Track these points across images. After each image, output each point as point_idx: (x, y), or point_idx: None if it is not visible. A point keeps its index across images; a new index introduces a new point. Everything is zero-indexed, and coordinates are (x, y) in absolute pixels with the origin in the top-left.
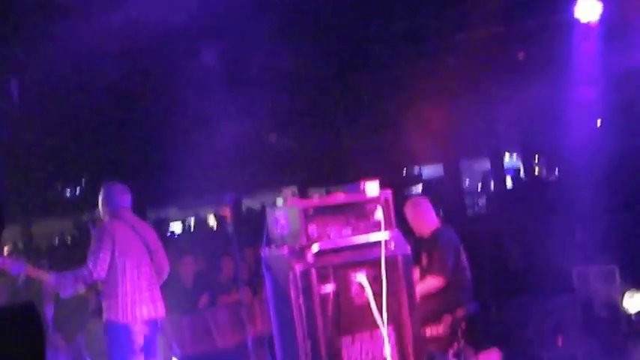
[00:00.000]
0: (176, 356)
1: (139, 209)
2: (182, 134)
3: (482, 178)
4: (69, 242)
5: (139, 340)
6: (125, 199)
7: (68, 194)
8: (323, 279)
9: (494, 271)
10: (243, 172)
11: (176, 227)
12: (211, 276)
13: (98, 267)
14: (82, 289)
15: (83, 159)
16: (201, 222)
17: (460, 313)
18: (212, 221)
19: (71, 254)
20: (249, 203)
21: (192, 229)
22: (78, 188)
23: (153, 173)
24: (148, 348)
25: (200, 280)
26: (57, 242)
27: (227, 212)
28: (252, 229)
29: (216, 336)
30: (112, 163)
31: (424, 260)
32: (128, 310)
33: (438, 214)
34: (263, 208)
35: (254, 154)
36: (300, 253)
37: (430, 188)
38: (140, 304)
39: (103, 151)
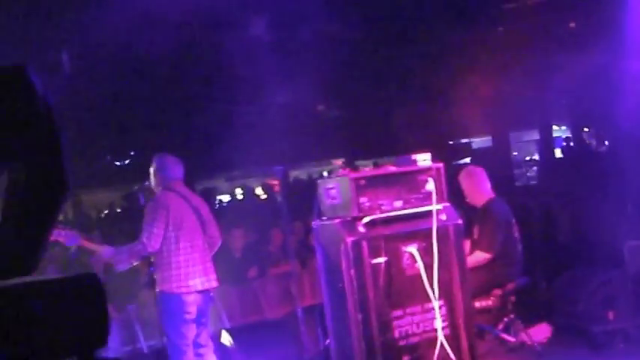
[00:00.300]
0: (225, 327)
1: (188, 181)
2: (230, 105)
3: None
4: (118, 213)
5: (192, 310)
6: (178, 170)
7: (117, 165)
8: (374, 250)
9: (543, 245)
10: (291, 143)
11: (224, 198)
12: (260, 247)
13: (152, 241)
14: (136, 263)
15: (132, 130)
16: (250, 193)
17: (510, 286)
18: (260, 192)
19: (121, 225)
20: (296, 174)
21: (240, 200)
22: (127, 160)
23: (201, 144)
24: (200, 318)
25: (249, 251)
26: (106, 213)
27: (275, 183)
28: (300, 200)
29: (264, 307)
30: (161, 134)
31: (475, 232)
32: (182, 281)
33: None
34: (310, 179)
35: (302, 125)
36: (352, 224)
37: (479, 160)
38: (193, 275)
39: (151, 122)
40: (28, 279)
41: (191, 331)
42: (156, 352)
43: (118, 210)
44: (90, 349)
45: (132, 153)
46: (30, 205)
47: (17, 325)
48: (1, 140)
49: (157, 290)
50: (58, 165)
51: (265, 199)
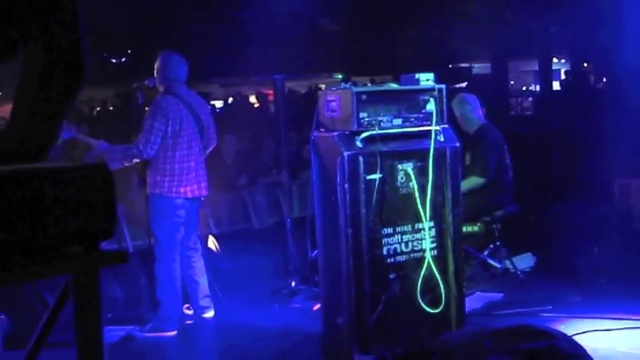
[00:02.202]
0: (212, 233)
1: None
2: (231, 10)
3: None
4: (111, 111)
5: (181, 213)
6: (181, 70)
7: (113, 62)
8: (370, 167)
9: (535, 175)
10: (289, 53)
11: (217, 104)
12: (252, 156)
13: (149, 148)
14: (128, 164)
15: (130, 29)
16: (244, 100)
17: (498, 214)
18: (254, 100)
19: (113, 123)
20: (290, 85)
21: (233, 106)
22: (123, 58)
23: (199, 47)
24: (189, 222)
25: (241, 158)
26: (98, 110)
27: (270, 93)
28: (294, 111)
29: (253, 216)
30: (159, 34)
31: (468, 159)
32: (173, 187)
33: (484, 112)
34: (310, 90)
35: (302, 37)
36: (350, 138)
37: (477, 85)
38: (186, 183)
39: (150, 22)
40: (39, 165)
41: (179, 233)
42: (142, 252)
43: (111, 108)
44: (96, 240)
45: (129, 51)
46: (46, 88)
47: (26, 210)
48: (21, 22)
49: (148, 192)
50: (76, 50)
51: (258, 106)
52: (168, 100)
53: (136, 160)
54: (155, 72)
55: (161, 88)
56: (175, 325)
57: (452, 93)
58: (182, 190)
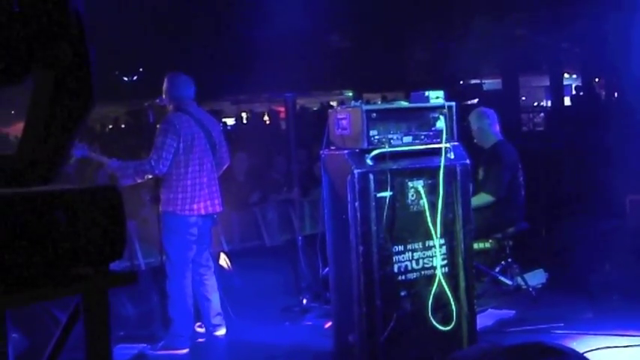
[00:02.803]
0: (224, 250)
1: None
2: (242, 28)
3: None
4: (122, 129)
5: (194, 230)
6: (189, 90)
7: (125, 81)
8: (380, 184)
9: (546, 191)
10: (300, 71)
11: (229, 121)
12: (263, 173)
13: (161, 164)
14: (140, 181)
15: (142, 48)
16: (256, 117)
17: (510, 230)
18: (266, 118)
19: (124, 141)
20: (302, 102)
21: (245, 123)
22: (135, 76)
23: (210, 65)
24: (201, 239)
25: (252, 175)
26: (110, 128)
27: (281, 110)
28: (305, 128)
29: (264, 233)
30: (171, 53)
31: (481, 173)
32: (186, 205)
33: (501, 129)
34: (322, 107)
35: (313, 54)
36: (360, 156)
37: (488, 102)
38: (199, 200)
39: (162, 40)
40: (50, 187)
41: (191, 251)
42: (154, 270)
43: (123, 126)
44: (106, 261)
45: (140, 69)
46: (55, 113)
47: (37, 232)
48: (32, 47)
49: (161, 210)
50: (86, 75)
51: (269, 124)
52: (180, 116)
53: (148, 177)
54: (163, 93)
55: (171, 107)
56: (187, 342)
57: (463, 110)
58: (195, 206)
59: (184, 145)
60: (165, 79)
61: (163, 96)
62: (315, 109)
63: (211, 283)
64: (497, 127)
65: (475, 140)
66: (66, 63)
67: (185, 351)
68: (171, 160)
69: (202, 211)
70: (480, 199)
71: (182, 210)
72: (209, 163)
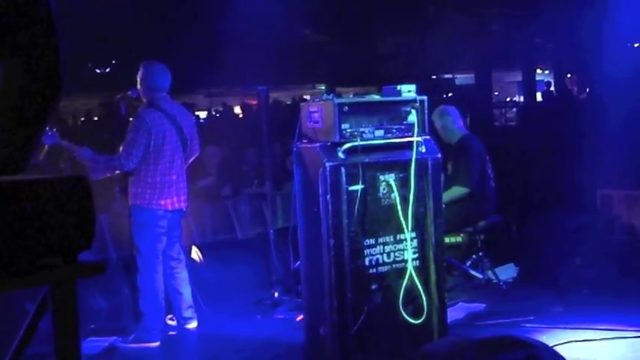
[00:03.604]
0: (195, 243)
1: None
2: (215, 21)
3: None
4: (96, 121)
5: (163, 223)
6: (164, 80)
7: (97, 73)
8: (352, 178)
9: (517, 186)
10: (273, 64)
11: (201, 114)
12: (235, 166)
13: (130, 161)
14: (110, 175)
15: (114, 39)
16: (228, 110)
17: (481, 224)
18: (238, 111)
19: (98, 134)
20: (276, 95)
21: (216, 117)
22: (108, 68)
23: (183, 58)
24: (171, 232)
25: (224, 169)
26: (82, 120)
27: (254, 103)
28: (279, 122)
29: (236, 226)
30: (143, 45)
31: (450, 168)
32: (154, 200)
33: (465, 123)
34: (293, 101)
35: (285, 48)
36: (332, 149)
37: (459, 96)
38: (167, 196)
39: (134, 32)
40: (17, 177)
41: (160, 243)
42: (125, 263)
43: (95, 118)
44: (75, 251)
45: (113, 62)
46: (24, 103)
47: (4, 222)
48: (1, 36)
49: (130, 203)
50: (55, 66)
51: (242, 117)
52: (152, 113)
53: (117, 172)
54: (138, 83)
55: (144, 100)
56: (159, 335)
57: (436, 104)
58: (162, 202)
59: (155, 143)
60: (141, 68)
61: (138, 86)
62: (288, 102)
63: (183, 277)
64: (461, 122)
65: (441, 137)
66: (35, 53)
67: (156, 344)
68: (140, 157)
69: (169, 207)
70: (453, 192)
71: (149, 204)
72: (179, 159)
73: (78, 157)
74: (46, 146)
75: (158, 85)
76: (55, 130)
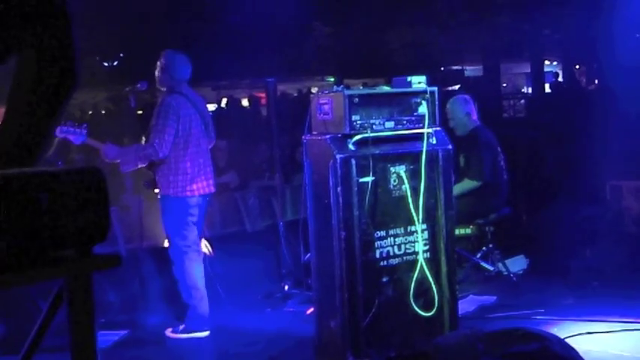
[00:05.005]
0: (205, 236)
1: None
2: (223, 14)
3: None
4: (103, 114)
5: (195, 212)
6: (187, 70)
7: (105, 66)
8: (363, 169)
9: (527, 178)
10: (281, 56)
11: (210, 107)
12: (244, 158)
13: (164, 147)
14: (142, 165)
15: (121, 32)
16: (236, 103)
17: (492, 216)
18: (246, 103)
19: (105, 127)
20: (284, 88)
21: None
22: (115, 62)
23: (189, 50)
24: (199, 221)
25: (233, 161)
26: (90, 114)
27: (262, 96)
28: (287, 114)
29: (245, 219)
30: (151, 38)
31: (462, 160)
32: (187, 186)
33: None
34: (300, 93)
35: (294, 39)
36: (342, 141)
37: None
38: (198, 180)
39: (141, 25)
40: (32, 169)
41: (193, 232)
42: (134, 256)
43: (103, 112)
44: (89, 243)
45: (121, 55)
46: (38, 94)
47: (19, 214)
48: (14, 27)
49: (161, 194)
50: (69, 56)
51: (250, 110)
52: (177, 98)
53: (149, 161)
54: (159, 71)
55: (163, 88)
56: (207, 324)
57: (444, 96)
58: (195, 187)
59: (183, 127)
60: (162, 57)
61: (158, 74)
62: (295, 94)
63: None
64: (475, 114)
65: (451, 127)
66: (49, 45)
67: (206, 333)
68: (172, 142)
69: (201, 191)
70: (465, 185)
71: (183, 192)
72: (205, 144)
73: (106, 158)
74: (56, 139)
75: (181, 76)
76: (84, 127)
